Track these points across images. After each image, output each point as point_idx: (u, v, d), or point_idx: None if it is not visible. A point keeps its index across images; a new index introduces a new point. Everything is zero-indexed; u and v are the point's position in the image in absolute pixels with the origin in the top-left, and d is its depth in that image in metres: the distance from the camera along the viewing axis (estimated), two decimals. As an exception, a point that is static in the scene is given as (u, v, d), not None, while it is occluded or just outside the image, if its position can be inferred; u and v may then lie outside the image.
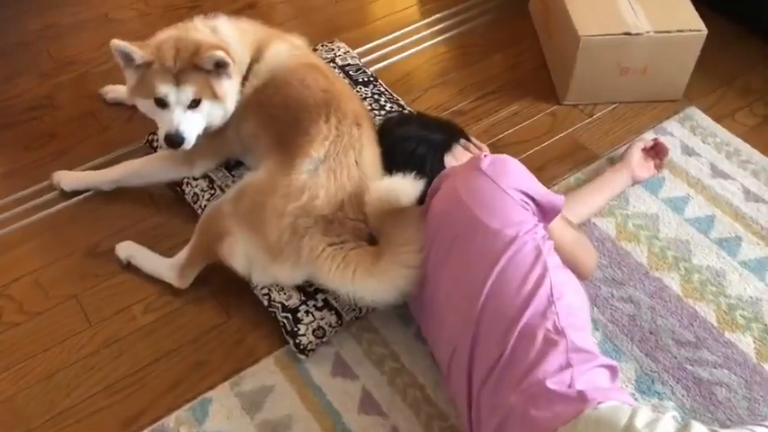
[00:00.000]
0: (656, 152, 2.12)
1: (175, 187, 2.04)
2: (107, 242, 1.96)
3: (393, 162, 1.76)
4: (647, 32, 2.16)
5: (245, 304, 1.83)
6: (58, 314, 1.82)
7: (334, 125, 1.75)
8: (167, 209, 2.05)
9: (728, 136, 2.25)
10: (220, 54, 1.73)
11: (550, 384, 1.29)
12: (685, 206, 2.06)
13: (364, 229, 1.70)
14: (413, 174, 1.60)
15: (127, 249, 1.91)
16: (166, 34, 1.83)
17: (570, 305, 1.43)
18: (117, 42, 1.74)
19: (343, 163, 1.71)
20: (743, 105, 2.37)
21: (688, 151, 2.20)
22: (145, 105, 1.83)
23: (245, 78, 1.87)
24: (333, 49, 2.39)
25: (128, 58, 1.77)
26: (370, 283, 1.60)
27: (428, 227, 1.60)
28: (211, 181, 1.99)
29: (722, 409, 1.65)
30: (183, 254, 1.83)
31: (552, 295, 1.40)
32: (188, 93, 1.76)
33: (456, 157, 1.80)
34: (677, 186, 2.11)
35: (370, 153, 1.78)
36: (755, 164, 2.17)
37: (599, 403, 1.24)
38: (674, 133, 2.25)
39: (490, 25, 2.71)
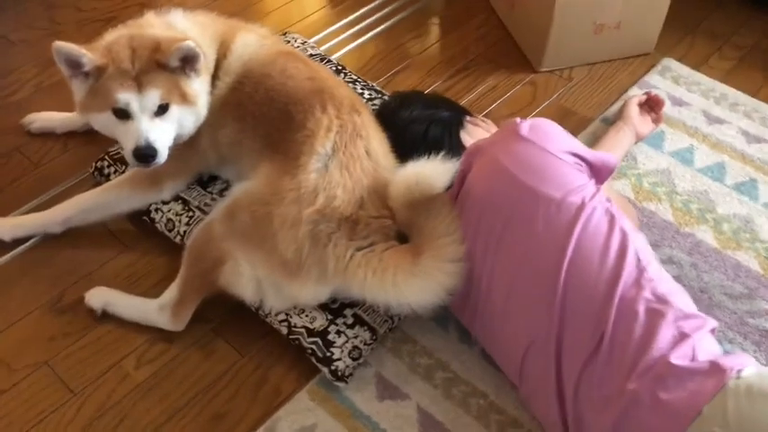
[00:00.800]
0: (649, 106, 2.02)
1: (142, 217, 1.74)
2: (72, 293, 1.64)
3: (404, 148, 1.56)
4: (621, -16, 2.07)
5: (257, 337, 1.57)
6: (30, 388, 1.49)
7: (334, 115, 1.52)
8: (136, 243, 1.75)
9: (711, 82, 2.19)
10: (189, 44, 1.46)
11: (675, 360, 1.12)
12: (693, 157, 1.96)
13: (391, 226, 1.48)
14: (438, 155, 1.41)
15: (100, 297, 1.60)
16: (116, 33, 1.55)
17: (659, 269, 1.27)
18: (60, 45, 1.44)
19: (353, 155, 1.49)
20: (713, 51, 2.32)
21: (678, 102, 2.12)
22: (101, 120, 1.53)
23: (214, 77, 1.61)
24: (288, 41, 2.15)
25: (74, 64, 1.47)
26: (414, 284, 1.38)
27: (468, 211, 1.40)
28: (185, 202, 1.71)
29: (796, 357, 1.55)
30: (173, 291, 1.54)
31: (640, 261, 1.24)
32: (153, 97, 1.48)
33: (471, 134, 1.61)
34: (679, 138, 2.02)
35: (378, 141, 1.56)
36: (745, 105, 2.12)
37: (738, 371, 1.09)
38: (658, 86, 2.17)
39: (437, 4, 2.55)
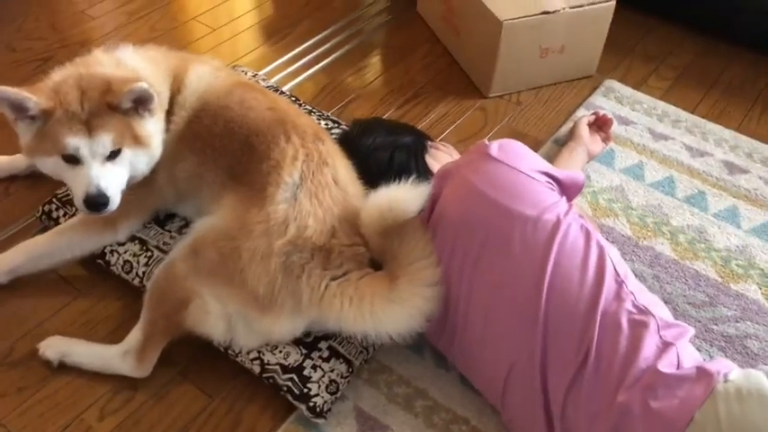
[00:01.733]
0: (598, 125, 2.07)
1: (95, 260, 1.65)
2: (23, 345, 1.54)
3: (370, 175, 1.54)
4: (563, 9, 2.13)
5: (227, 377, 1.51)
6: (-17, 451, 1.38)
7: (299, 144, 1.49)
8: (90, 288, 1.66)
9: (652, 100, 2.27)
10: (142, 86, 1.41)
11: (663, 369, 1.13)
12: (643, 173, 2.02)
13: (365, 253, 1.45)
14: (408, 180, 1.39)
15: (56, 347, 1.51)
16: (63, 73, 1.48)
17: (636, 281, 1.28)
18: (1, 89, 1.37)
19: (322, 183, 1.46)
20: (650, 71, 2.42)
21: (624, 121, 2.19)
22: (49, 165, 1.46)
23: (169, 113, 1.56)
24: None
25: (19, 108, 1.40)
26: (392, 311, 1.36)
27: (442, 235, 1.39)
28: (143, 242, 1.64)
29: (761, 360, 1.59)
30: (135, 335, 1.47)
31: (618, 275, 1.25)
32: (104, 142, 1.42)
33: (435, 158, 1.61)
34: (628, 155, 2.07)
35: (344, 168, 1.54)
36: (685, 121, 2.20)
37: (725, 375, 1.10)
38: (603, 106, 2.23)
39: (380, 36, 2.57)
